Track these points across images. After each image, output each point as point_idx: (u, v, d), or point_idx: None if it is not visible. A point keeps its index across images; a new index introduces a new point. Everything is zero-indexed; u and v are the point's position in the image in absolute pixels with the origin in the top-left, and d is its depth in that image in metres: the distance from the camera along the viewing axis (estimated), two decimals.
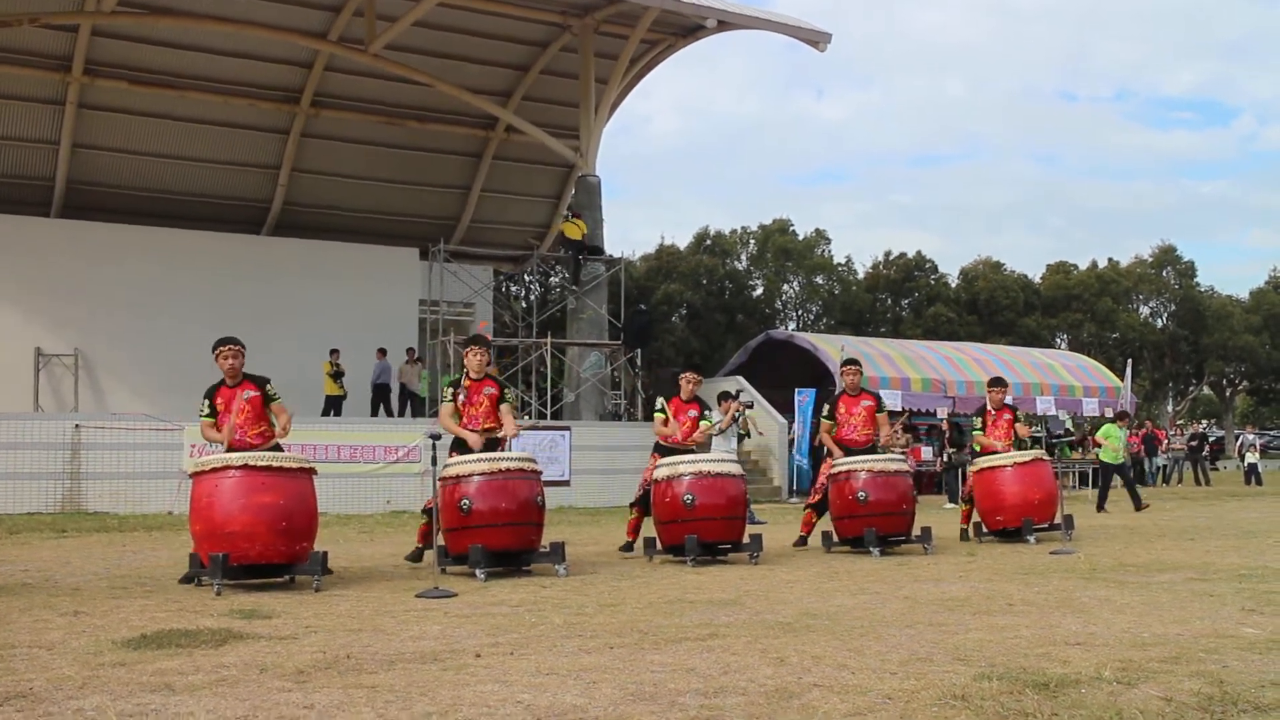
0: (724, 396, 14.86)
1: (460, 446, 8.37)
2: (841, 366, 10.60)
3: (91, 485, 15.57)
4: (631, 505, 10.10)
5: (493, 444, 8.33)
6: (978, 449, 11.40)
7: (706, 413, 10.04)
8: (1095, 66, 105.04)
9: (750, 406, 13.38)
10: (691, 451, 9.73)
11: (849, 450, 10.08)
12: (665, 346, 38.49)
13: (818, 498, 10.37)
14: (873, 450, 10.15)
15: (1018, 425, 11.35)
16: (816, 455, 10.90)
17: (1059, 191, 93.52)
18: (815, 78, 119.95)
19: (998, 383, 11.64)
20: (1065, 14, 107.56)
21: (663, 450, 9.76)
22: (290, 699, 3.96)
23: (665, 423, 9.79)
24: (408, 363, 21.91)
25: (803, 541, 10.35)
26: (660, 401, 9.98)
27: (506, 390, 8.67)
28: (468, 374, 8.51)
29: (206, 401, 7.94)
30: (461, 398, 8.39)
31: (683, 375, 10.06)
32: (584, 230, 20.89)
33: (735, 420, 14.54)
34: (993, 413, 11.31)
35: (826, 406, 10.39)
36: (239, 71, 22.07)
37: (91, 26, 20.17)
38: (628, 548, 9.89)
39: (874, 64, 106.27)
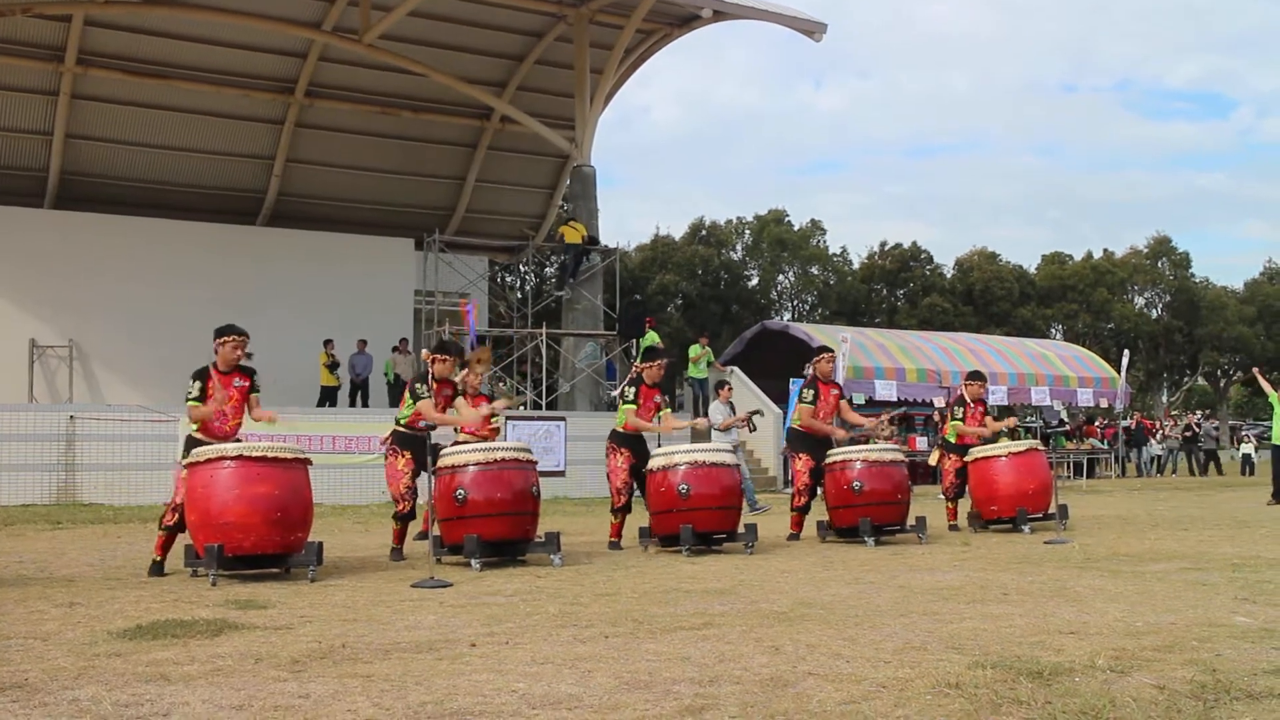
0: (720, 385, 15.10)
1: (405, 441, 8.62)
2: (822, 353, 10.37)
3: (86, 476, 15.56)
4: (615, 511, 9.55)
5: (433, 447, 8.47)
6: (953, 438, 11.35)
7: (664, 397, 9.74)
8: (1097, 61, 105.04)
9: (760, 414, 13.70)
10: (638, 440, 9.49)
11: (817, 440, 10.05)
12: (660, 336, 38.49)
13: (803, 500, 10.14)
14: (829, 442, 10.07)
15: (988, 419, 11.38)
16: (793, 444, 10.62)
17: (1057, 183, 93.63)
18: (815, 68, 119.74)
19: (976, 376, 11.63)
20: (1068, 7, 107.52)
21: (621, 440, 9.46)
22: (286, 689, 3.97)
23: (634, 413, 9.44)
24: (400, 353, 21.85)
25: (795, 537, 10.28)
26: (631, 392, 9.52)
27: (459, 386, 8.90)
28: (433, 376, 8.64)
29: (198, 384, 7.66)
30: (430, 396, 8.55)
31: (658, 362, 9.79)
32: (583, 234, 20.86)
33: (743, 424, 14.63)
34: (972, 405, 11.31)
35: (810, 392, 10.06)
36: (233, 61, 21.99)
37: (84, 16, 20.09)
38: (615, 546, 9.51)
39: (874, 55, 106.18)
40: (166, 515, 7.76)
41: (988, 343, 27.43)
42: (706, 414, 19.81)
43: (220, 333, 7.87)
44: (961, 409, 11.34)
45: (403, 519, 8.61)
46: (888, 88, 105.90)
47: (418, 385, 8.59)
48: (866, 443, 11.30)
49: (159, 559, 7.74)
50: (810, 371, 10.36)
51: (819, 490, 10.12)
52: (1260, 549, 8.78)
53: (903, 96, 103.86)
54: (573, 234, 20.88)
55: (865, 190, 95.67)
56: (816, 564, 8.12)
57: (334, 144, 23.99)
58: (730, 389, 15.51)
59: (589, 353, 21.15)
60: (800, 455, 10.17)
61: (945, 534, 10.67)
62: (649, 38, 22.72)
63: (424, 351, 9.07)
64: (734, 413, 15.07)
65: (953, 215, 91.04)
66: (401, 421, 8.70)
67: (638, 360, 10.14)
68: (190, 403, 7.70)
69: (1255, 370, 16.37)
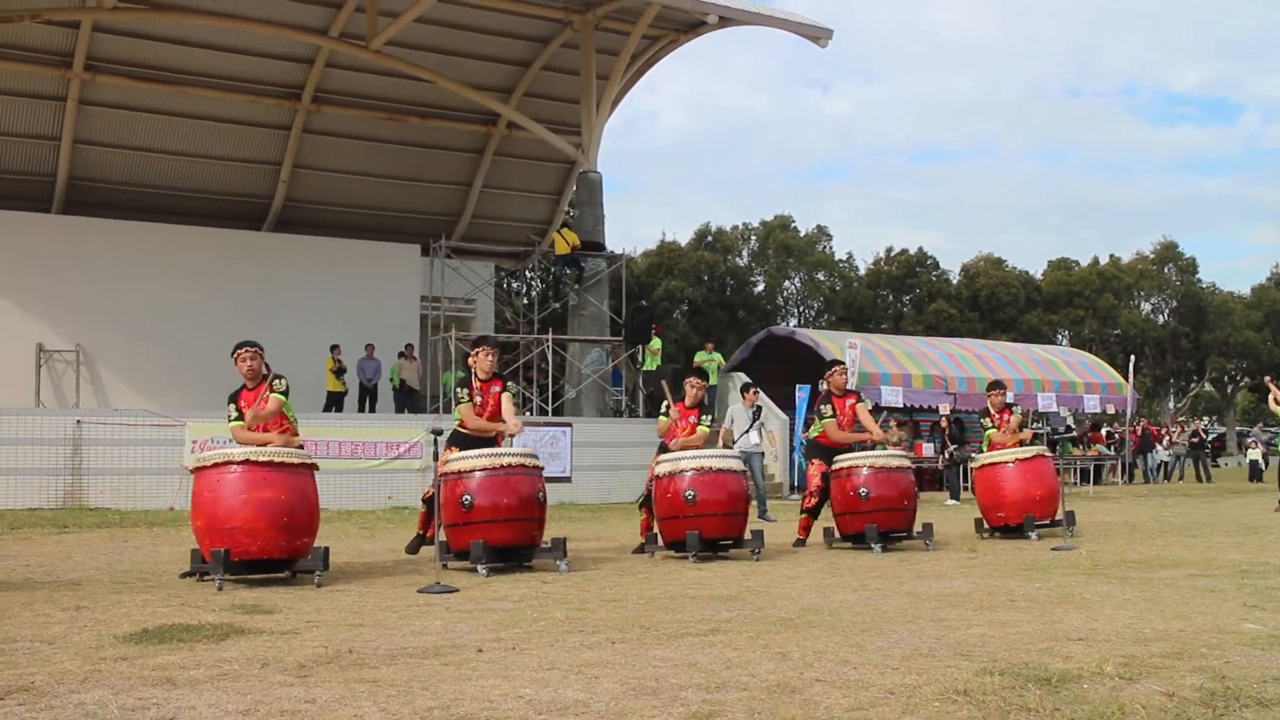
0: (746, 388, 15.17)
1: (460, 441, 8.41)
2: (834, 366, 10.55)
3: (93, 481, 15.57)
4: (640, 506, 9.93)
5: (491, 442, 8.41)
6: (984, 448, 11.49)
7: (705, 418, 9.94)
8: (1101, 66, 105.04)
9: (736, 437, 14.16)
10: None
11: (830, 450, 10.09)
12: (666, 343, 38.53)
13: (813, 502, 10.21)
14: (840, 452, 10.18)
15: (1013, 417, 11.47)
16: (808, 452, 10.82)
17: (1062, 189, 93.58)
18: (822, 74, 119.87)
19: (996, 385, 11.75)
20: (1072, 12, 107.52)
21: (661, 448, 9.62)
22: (292, 693, 3.96)
23: (670, 426, 9.59)
24: (405, 359, 21.86)
25: (801, 543, 10.32)
26: (666, 404, 9.72)
27: (509, 385, 8.77)
28: (476, 374, 8.57)
29: (232, 406, 7.94)
30: (478, 398, 8.48)
31: (686, 380, 9.93)
32: (574, 243, 20.78)
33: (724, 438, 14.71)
34: (996, 415, 11.42)
35: (827, 408, 10.22)
36: (240, 67, 22.04)
37: (92, 22, 20.15)
38: (642, 549, 9.60)
39: (879, 61, 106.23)
40: None
41: (994, 349, 27.37)
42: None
43: (233, 350, 8.04)
44: (987, 419, 11.46)
45: (430, 503, 8.61)
46: (893, 93, 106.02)
47: (459, 390, 8.56)
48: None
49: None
50: (824, 387, 10.43)
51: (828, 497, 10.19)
52: (1269, 555, 8.75)
53: (908, 102, 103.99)
54: (562, 244, 20.84)
55: (871, 196, 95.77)
56: (823, 570, 8.11)
57: (340, 150, 24.03)
58: (756, 392, 15.22)
59: (595, 358, 21.14)
60: (814, 461, 10.35)
61: (953, 540, 10.65)
62: (655, 43, 22.73)
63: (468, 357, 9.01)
64: (758, 418, 15.10)
65: (959, 221, 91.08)
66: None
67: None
68: (233, 424, 7.90)
69: (1267, 379, 16.21)
